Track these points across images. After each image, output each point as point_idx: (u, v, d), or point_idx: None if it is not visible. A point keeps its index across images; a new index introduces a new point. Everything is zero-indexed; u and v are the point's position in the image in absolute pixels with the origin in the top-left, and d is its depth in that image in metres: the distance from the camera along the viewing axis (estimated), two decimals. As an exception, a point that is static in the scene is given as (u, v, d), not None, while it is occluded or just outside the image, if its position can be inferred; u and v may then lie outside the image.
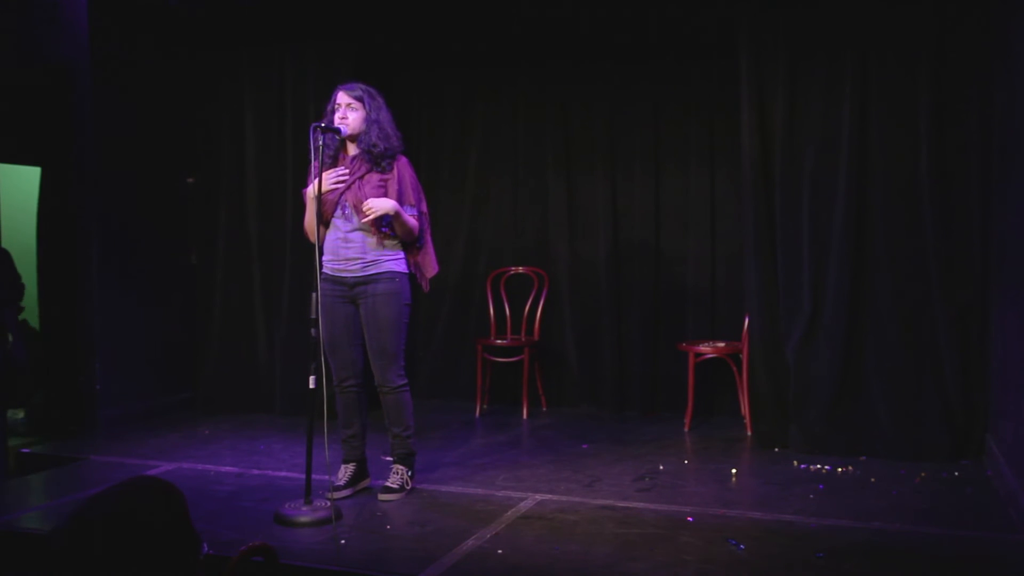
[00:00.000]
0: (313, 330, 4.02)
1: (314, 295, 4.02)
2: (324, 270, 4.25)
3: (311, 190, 4.18)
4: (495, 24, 6.08)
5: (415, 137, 6.80)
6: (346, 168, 4.22)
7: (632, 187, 6.36)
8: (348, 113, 4.20)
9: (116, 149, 5.87)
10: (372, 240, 4.21)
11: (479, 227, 6.77)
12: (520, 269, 6.53)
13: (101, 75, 5.75)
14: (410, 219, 4.21)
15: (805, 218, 5.11)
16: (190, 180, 6.44)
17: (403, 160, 4.28)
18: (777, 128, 5.14)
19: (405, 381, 4.32)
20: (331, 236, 4.25)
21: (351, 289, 4.25)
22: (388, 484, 4.33)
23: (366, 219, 4.11)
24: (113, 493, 1.63)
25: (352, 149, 4.27)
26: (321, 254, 4.18)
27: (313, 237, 4.21)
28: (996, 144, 4.74)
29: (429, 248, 4.38)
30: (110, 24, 5.79)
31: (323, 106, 4.35)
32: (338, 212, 4.21)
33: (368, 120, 4.21)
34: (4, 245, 5.63)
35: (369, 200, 4.10)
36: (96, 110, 5.72)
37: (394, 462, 4.40)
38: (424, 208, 4.33)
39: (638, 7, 5.72)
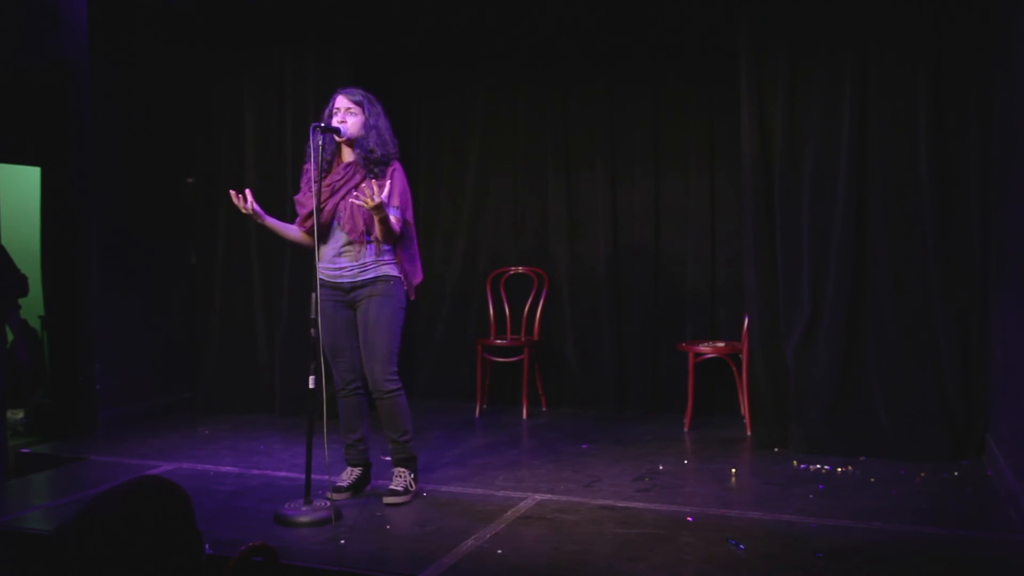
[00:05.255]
0: (313, 330, 4.02)
1: (314, 295, 4.02)
2: (321, 276, 4.23)
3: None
4: (495, 24, 6.08)
5: (415, 137, 6.81)
6: (340, 174, 4.21)
7: (632, 187, 6.36)
8: (347, 117, 4.19)
9: (116, 149, 5.87)
10: (367, 246, 4.20)
11: (479, 227, 6.76)
12: (520, 269, 6.53)
13: (101, 75, 5.75)
14: (393, 222, 4.13)
15: (805, 218, 5.11)
16: (190, 180, 6.44)
17: (397, 166, 4.26)
18: (777, 128, 5.14)
19: (398, 385, 4.28)
20: (327, 243, 4.24)
21: (347, 294, 4.24)
22: (392, 487, 4.30)
23: (357, 200, 4.03)
24: (119, 492, 1.63)
25: (348, 155, 4.25)
26: (319, 256, 4.17)
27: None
28: (996, 144, 4.74)
29: (415, 256, 4.36)
30: (110, 24, 5.79)
31: (323, 106, 4.33)
32: (335, 222, 4.21)
33: (367, 125, 4.19)
34: (4, 244, 5.62)
35: (372, 194, 3.97)
36: (96, 110, 5.72)
37: (394, 465, 4.39)
38: (410, 218, 4.28)
39: (638, 7, 5.73)
